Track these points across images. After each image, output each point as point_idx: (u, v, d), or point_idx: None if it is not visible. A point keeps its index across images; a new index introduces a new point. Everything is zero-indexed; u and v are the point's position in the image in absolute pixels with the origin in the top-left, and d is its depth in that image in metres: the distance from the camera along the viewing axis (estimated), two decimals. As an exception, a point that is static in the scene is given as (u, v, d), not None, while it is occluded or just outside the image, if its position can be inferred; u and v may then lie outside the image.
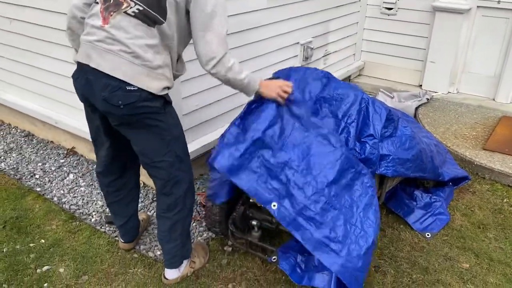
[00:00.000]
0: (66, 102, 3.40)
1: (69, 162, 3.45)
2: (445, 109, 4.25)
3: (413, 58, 4.74)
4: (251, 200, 2.35)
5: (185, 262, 2.35)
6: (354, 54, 5.00)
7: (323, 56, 4.43)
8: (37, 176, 3.27)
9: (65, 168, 3.37)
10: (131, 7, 1.79)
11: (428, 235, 2.71)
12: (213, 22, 1.86)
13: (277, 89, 2.16)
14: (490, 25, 4.23)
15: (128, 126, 1.93)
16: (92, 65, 1.80)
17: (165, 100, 1.94)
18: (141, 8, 1.79)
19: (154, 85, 1.83)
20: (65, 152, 3.57)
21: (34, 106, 3.67)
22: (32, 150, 3.62)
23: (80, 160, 3.48)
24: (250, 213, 2.39)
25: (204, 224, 2.73)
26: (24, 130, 3.91)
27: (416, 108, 4.28)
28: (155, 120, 1.91)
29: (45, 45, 3.26)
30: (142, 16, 1.79)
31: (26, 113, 3.74)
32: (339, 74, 4.73)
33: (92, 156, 3.46)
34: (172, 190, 2.11)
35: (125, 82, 1.78)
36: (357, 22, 4.81)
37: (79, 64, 1.88)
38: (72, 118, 3.41)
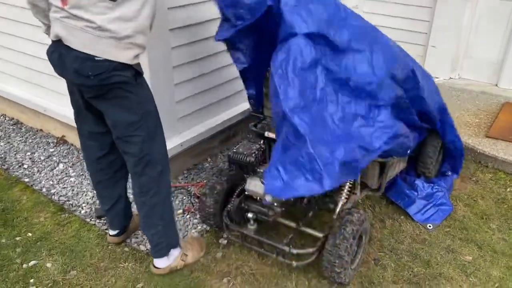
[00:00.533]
0: (54, 89, 3.27)
1: (59, 151, 3.34)
2: (446, 95, 4.13)
3: (413, 43, 4.58)
4: (246, 192, 2.25)
5: (174, 252, 2.28)
6: (353, 38, 4.86)
7: (321, 41, 4.28)
8: (25, 166, 3.16)
9: (54, 158, 3.25)
10: None
11: (429, 226, 2.62)
12: None
13: None
14: (493, 8, 4.08)
15: (100, 98, 1.92)
16: (64, 41, 1.80)
17: (136, 71, 1.89)
18: None
19: (123, 55, 1.82)
20: (55, 141, 3.46)
21: (22, 93, 3.54)
22: (21, 139, 3.50)
23: (71, 149, 3.36)
24: (245, 205, 2.29)
25: (198, 216, 2.63)
26: (13, 118, 3.79)
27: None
28: (126, 91, 1.89)
29: (31, 29, 3.12)
30: None
31: (14, 100, 3.62)
32: (338, 59, 4.60)
33: (83, 145, 3.35)
34: (144, 170, 2.07)
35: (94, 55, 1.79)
36: (356, 6, 4.66)
37: (52, 40, 1.87)
38: (62, 105, 3.28)
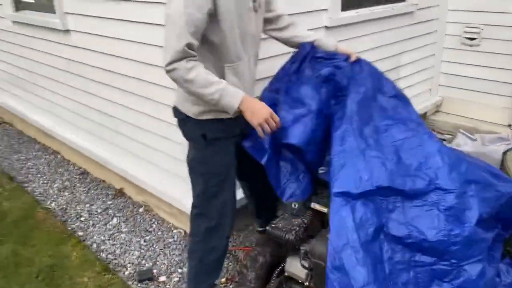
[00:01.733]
0: (115, 142, 3.33)
1: (116, 204, 3.35)
2: (540, 155, 3.60)
3: (500, 94, 4.12)
4: (286, 274, 2.00)
5: None
6: (430, 89, 4.49)
7: (392, 93, 3.99)
8: (82, 219, 3.19)
9: (110, 211, 3.26)
10: None
11: (515, 323, 2.16)
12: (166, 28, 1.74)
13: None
14: None
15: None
16: None
17: (204, 134, 1.94)
18: None
19: (192, 109, 1.93)
20: (114, 193, 3.49)
21: (87, 144, 3.66)
22: (84, 189, 3.58)
23: (127, 202, 3.36)
24: (287, 287, 2.04)
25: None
26: (81, 168, 3.92)
27: (504, 153, 3.66)
28: (195, 148, 2.03)
29: (94, 85, 3.24)
30: None
31: (80, 151, 3.74)
32: (412, 111, 4.25)
33: (138, 199, 3.33)
34: (193, 218, 2.14)
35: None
36: (433, 54, 4.32)
37: None
38: (121, 158, 3.33)
